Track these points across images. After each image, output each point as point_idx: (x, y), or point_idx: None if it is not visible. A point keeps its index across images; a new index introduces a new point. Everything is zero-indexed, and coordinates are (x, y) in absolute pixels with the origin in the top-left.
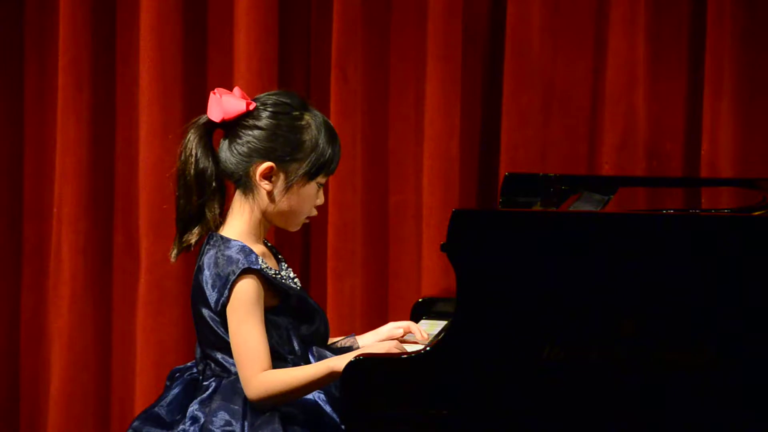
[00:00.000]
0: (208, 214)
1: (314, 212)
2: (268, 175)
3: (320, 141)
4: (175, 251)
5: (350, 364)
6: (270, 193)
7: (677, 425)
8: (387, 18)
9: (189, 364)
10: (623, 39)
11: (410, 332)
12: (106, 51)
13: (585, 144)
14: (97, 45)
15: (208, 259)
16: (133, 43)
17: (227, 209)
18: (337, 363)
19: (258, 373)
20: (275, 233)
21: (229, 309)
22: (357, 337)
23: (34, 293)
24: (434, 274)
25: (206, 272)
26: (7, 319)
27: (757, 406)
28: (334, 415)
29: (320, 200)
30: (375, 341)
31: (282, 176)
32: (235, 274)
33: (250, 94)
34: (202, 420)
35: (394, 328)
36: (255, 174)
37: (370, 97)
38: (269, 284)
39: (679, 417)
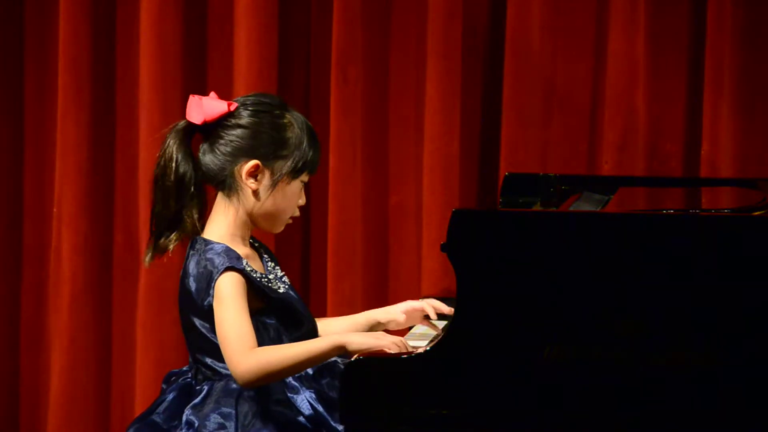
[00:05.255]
0: (187, 220)
1: (297, 213)
2: (254, 174)
3: (303, 138)
4: (149, 255)
5: (350, 364)
6: (256, 192)
7: (677, 425)
8: (387, 18)
9: (185, 368)
10: (623, 39)
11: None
12: (106, 51)
13: (585, 144)
14: (97, 45)
15: (192, 263)
16: (133, 42)
17: (208, 213)
18: (344, 338)
19: (246, 349)
20: (272, 234)
21: (214, 304)
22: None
23: (34, 293)
24: (434, 274)
25: (191, 277)
26: (7, 319)
27: (758, 407)
28: (326, 415)
29: (302, 200)
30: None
31: (267, 174)
32: (218, 273)
33: (214, 92)
34: (197, 424)
35: (409, 309)
36: (240, 173)
37: (370, 97)
38: (252, 286)
39: (679, 417)
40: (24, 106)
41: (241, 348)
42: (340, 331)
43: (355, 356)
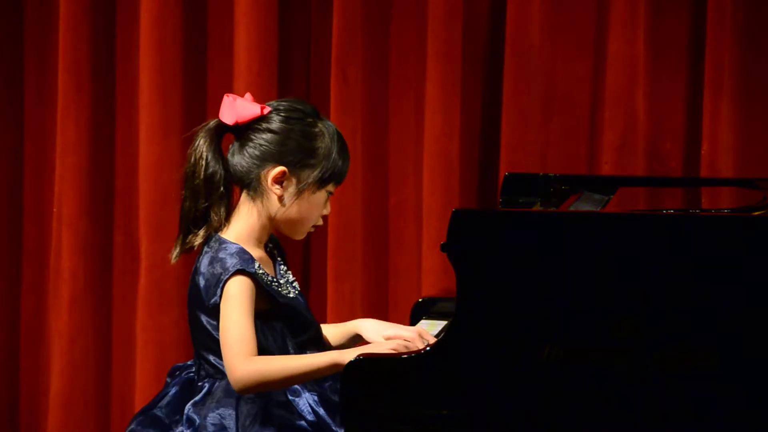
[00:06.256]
0: (214, 217)
1: (320, 221)
2: (279, 180)
3: (333, 149)
4: (176, 252)
5: (350, 364)
6: (280, 199)
7: (677, 425)
8: (387, 18)
9: (189, 362)
10: (623, 39)
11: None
12: (106, 51)
13: (585, 144)
14: (97, 45)
15: (205, 261)
16: (133, 43)
17: (232, 212)
18: (342, 356)
19: (245, 355)
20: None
21: (221, 305)
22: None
23: (34, 293)
24: (434, 274)
25: (202, 274)
26: (7, 319)
27: (758, 407)
28: (328, 419)
29: (327, 210)
30: (379, 339)
31: (293, 182)
32: (227, 275)
33: (249, 93)
34: (197, 422)
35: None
36: (266, 178)
37: (370, 97)
38: (261, 289)
39: (678, 417)
40: (24, 106)
41: (241, 353)
42: (332, 336)
43: (356, 356)
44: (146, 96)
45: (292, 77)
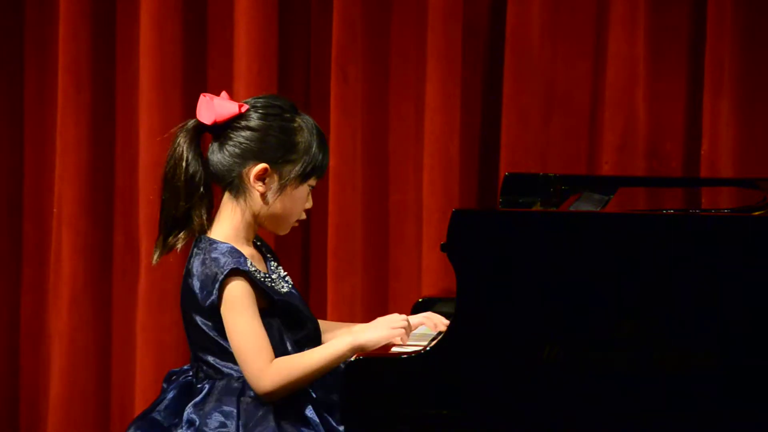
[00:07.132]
0: (195, 219)
1: (303, 216)
2: (262, 177)
3: (312, 143)
4: (157, 254)
5: (350, 364)
6: (263, 195)
7: (677, 425)
8: (387, 18)
9: (185, 367)
10: (623, 39)
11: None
12: (106, 51)
13: (585, 144)
14: (97, 45)
15: (196, 262)
16: (133, 43)
17: (215, 213)
18: (359, 339)
19: (267, 363)
20: (273, 234)
21: (223, 310)
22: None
23: (34, 293)
24: (434, 274)
25: (195, 275)
26: (7, 319)
27: (758, 407)
28: (327, 416)
29: (309, 204)
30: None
31: (276, 178)
32: (222, 274)
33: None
34: (198, 423)
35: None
36: (248, 176)
37: (370, 97)
38: (255, 287)
39: (678, 417)
40: (24, 106)
41: (262, 362)
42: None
43: (355, 356)
44: (146, 96)
45: (292, 77)
